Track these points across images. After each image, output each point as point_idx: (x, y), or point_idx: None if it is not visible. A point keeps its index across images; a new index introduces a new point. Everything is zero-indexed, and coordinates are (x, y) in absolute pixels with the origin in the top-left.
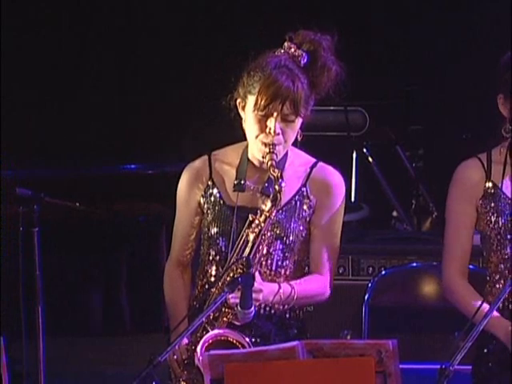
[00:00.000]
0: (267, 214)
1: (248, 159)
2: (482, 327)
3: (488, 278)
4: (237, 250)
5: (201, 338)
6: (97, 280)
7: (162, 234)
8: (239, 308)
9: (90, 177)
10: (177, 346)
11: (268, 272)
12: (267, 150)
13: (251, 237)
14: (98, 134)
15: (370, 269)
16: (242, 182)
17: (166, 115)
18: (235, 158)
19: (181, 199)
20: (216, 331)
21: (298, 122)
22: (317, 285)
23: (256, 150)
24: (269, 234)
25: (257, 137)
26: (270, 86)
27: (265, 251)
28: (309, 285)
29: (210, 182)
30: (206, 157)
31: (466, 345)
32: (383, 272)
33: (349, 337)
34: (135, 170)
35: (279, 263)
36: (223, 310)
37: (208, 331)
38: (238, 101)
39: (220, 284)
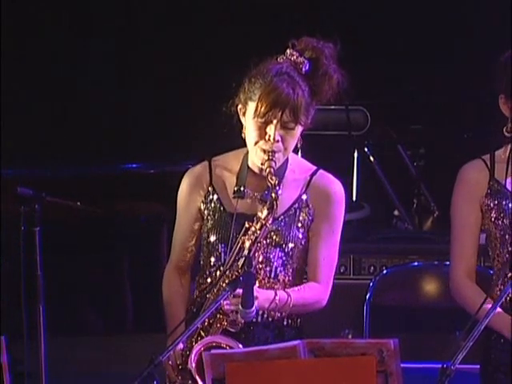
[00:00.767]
0: (263, 222)
1: (248, 166)
2: (484, 326)
3: (493, 276)
4: (232, 257)
5: (195, 343)
6: (98, 280)
7: (163, 233)
8: (240, 307)
9: (91, 176)
10: (172, 351)
11: (267, 279)
12: (266, 157)
13: (247, 244)
14: (99, 134)
15: (372, 268)
16: (242, 188)
17: (166, 115)
18: (235, 164)
19: (181, 204)
20: (208, 338)
21: (298, 129)
22: (313, 293)
23: (255, 156)
24: (265, 241)
25: (256, 143)
26: (270, 93)
27: (261, 258)
28: (305, 293)
29: (210, 188)
30: (206, 162)
31: (468, 344)
32: (384, 271)
33: (350, 336)
34: (136, 169)
35: (278, 271)
36: (218, 316)
37: (202, 337)
38: (239, 107)
39: (215, 290)
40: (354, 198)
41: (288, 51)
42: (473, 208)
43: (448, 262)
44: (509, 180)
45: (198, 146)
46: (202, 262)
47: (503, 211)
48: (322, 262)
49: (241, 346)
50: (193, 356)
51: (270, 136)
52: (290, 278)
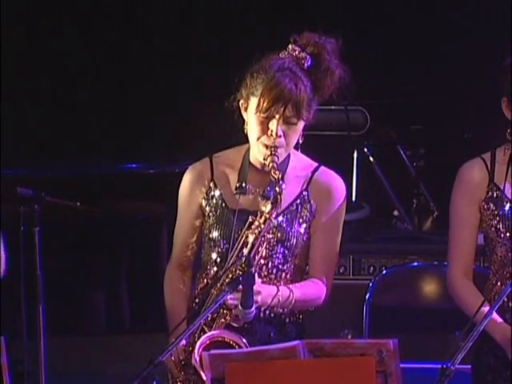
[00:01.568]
0: (267, 216)
1: (250, 162)
2: (483, 327)
3: (490, 277)
4: (236, 252)
5: (198, 338)
6: (98, 279)
7: (163, 233)
8: (240, 307)
9: (91, 176)
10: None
11: (268, 275)
12: (268, 152)
13: (251, 238)
14: (99, 134)
15: (371, 268)
16: (244, 184)
17: (166, 115)
18: (237, 160)
19: (182, 201)
20: (213, 332)
21: (301, 124)
22: (314, 289)
23: (257, 151)
24: (269, 236)
25: (258, 139)
26: (272, 89)
27: (264, 253)
28: (307, 289)
29: (211, 184)
30: (207, 159)
31: (467, 344)
32: (384, 271)
33: (349, 336)
34: (136, 169)
35: (280, 267)
36: (221, 311)
37: (205, 332)
38: (241, 102)
39: (219, 285)
40: (354, 198)
41: (290, 46)
42: (471, 208)
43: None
44: (508, 186)
45: (198, 146)
46: (203, 259)
47: (501, 216)
48: (323, 258)
49: (245, 340)
50: (196, 350)
51: (272, 131)
52: (292, 274)
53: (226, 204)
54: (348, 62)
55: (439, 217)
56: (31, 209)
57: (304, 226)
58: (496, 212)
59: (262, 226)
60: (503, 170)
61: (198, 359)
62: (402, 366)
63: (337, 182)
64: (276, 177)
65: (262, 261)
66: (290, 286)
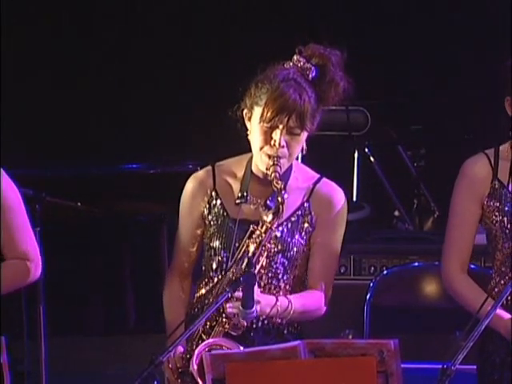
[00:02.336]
0: (268, 225)
1: (252, 172)
2: (484, 326)
3: (493, 275)
4: (236, 261)
5: (196, 346)
6: (98, 280)
7: (164, 233)
8: (241, 307)
9: (92, 176)
10: (172, 354)
11: (268, 285)
12: (271, 162)
13: (251, 247)
14: (100, 134)
15: (372, 268)
16: (245, 194)
17: (167, 115)
18: (239, 169)
19: (184, 209)
20: (211, 340)
21: (304, 135)
22: (313, 301)
23: (260, 161)
24: (269, 245)
25: (261, 148)
26: (276, 99)
27: (265, 263)
28: (305, 300)
29: (213, 193)
30: (209, 167)
31: (468, 344)
32: (385, 272)
33: (350, 336)
34: (137, 169)
35: (280, 277)
36: (220, 319)
37: (204, 340)
38: (245, 112)
39: (217, 292)
40: (355, 199)
41: (295, 57)
42: (473, 203)
43: None
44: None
45: (198, 147)
46: (203, 268)
47: (505, 213)
48: (322, 270)
49: (242, 348)
50: (194, 358)
51: (275, 141)
52: (292, 285)
53: (227, 213)
54: (348, 62)
55: (440, 217)
56: (32, 209)
57: (304, 237)
58: (501, 208)
59: (263, 236)
60: (507, 166)
61: (195, 367)
62: (402, 366)
63: (338, 195)
64: (278, 187)
65: (262, 271)
66: (289, 296)
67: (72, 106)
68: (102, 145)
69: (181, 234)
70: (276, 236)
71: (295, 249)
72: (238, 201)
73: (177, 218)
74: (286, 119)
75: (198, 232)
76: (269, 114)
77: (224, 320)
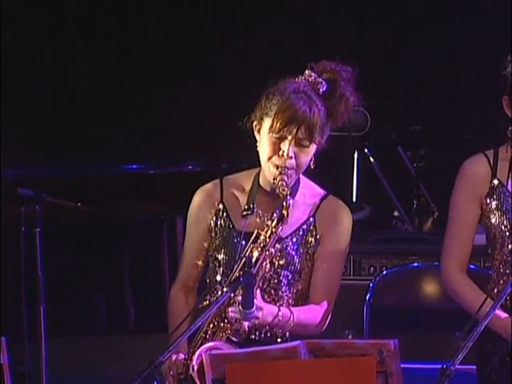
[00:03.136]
0: (273, 230)
1: (259, 185)
2: (484, 327)
3: (492, 275)
4: (239, 265)
5: (197, 350)
6: (99, 280)
7: (164, 234)
8: (241, 308)
9: (92, 177)
10: (174, 360)
11: (271, 298)
12: (278, 172)
13: (255, 253)
14: (100, 134)
15: (372, 269)
16: (252, 206)
17: (167, 115)
18: (246, 183)
19: (191, 222)
20: (210, 344)
21: (312, 148)
22: (314, 315)
23: (268, 172)
24: (272, 261)
25: (269, 159)
26: (286, 110)
27: (268, 268)
28: (307, 314)
29: (220, 206)
30: (217, 181)
31: (468, 344)
32: (384, 272)
33: (350, 336)
34: (137, 170)
35: (283, 290)
36: (222, 325)
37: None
38: (255, 123)
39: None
40: (354, 199)
41: (306, 72)
42: (472, 204)
43: None
44: (510, 180)
45: (198, 147)
46: (208, 280)
47: (504, 213)
48: (325, 284)
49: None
50: (194, 360)
51: (283, 152)
52: (294, 299)
53: (233, 226)
54: (348, 62)
55: (439, 217)
56: (32, 209)
57: (309, 251)
58: (499, 207)
59: (268, 240)
60: (506, 166)
61: (195, 368)
62: (402, 366)
63: (344, 212)
64: (284, 193)
65: (266, 283)
66: (291, 308)
67: (72, 106)
68: (102, 145)
69: (187, 245)
70: (281, 250)
71: (299, 263)
72: (244, 213)
73: (176, 218)
74: (295, 130)
75: (205, 244)
76: (278, 125)
77: (226, 325)
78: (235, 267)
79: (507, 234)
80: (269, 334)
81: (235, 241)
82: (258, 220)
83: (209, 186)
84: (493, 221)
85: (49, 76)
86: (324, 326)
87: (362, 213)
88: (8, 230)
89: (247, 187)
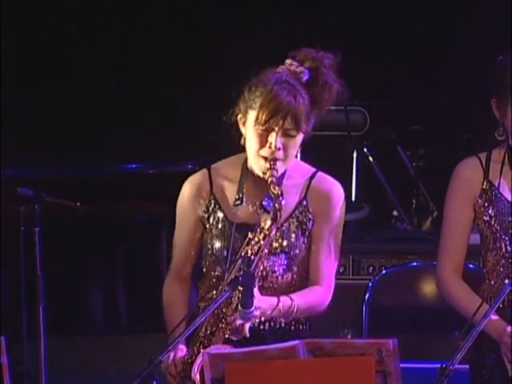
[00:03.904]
0: (266, 232)
1: (248, 173)
2: (482, 327)
3: (485, 276)
4: (236, 267)
5: (198, 351)
6: (98, 280)
7: (163, 234)
8: (240, 307)
9: (91, 176)
10: (173, 358)
11: (271, 286)
12: (268, 165)
13: (250, 254)
14: (100, 134)
15: (371, 268)
16: (241, 196)
17: (167, 115)
18: (235, 171)
19: (181, 213)
20: (212, 347)
21: (299, 137)
22: (316, 296)
23: (256, 165)
24: (266, 250)
25: (257, 151)
26: (271, 101)
27: (265, 265)
28: (308, 296)
29: (210, 197)
30: (205, 170)
31: (466, 344)
32: (383, 271)
33: (349, 336)
34: (136, 169)
35: (283, 276)
36: (220, 325)
37: (205, 345)
38: (239, 116)
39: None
40: (353, 199)
41: (287, 61)
42: (466, 206)
43: None
44: (503, 183)
45: (198, 147)
46: (204, 270)
47: (496, 213)
48: (324, 265)
49: None
50: (196, 366)
51: (271, 143)
52: (296, 283)
53: (225, 217)
54: (348, 62)
55: (439, 217)
56: (31, 209)
57: (305, 234)
58: (491, 208)
59: (262, 243)
60: (498, 168)
61: (197, 376)
62: (401, 365)
63: (335, 188)
64: (276, 193)
65: (264, 272)
66: (292, 295)
67: (72, 106)
68: (102, 145)
69: (179, 237)
70: (276, 237)
71: (297, 248)
72: (235, 203)
73: (176, 218)
74: (282, 121)
75: (197, 235)
76: (264, 117)
77: (224, 326)
78: (232, 266)
79: (498, 235)
80: (273, 324)
81: (229, 231)
82: (249, 209)
83: (197, 176)
84: (484, 222)
85: (49, 76)
86: (326, 305)
87: (362, 212)
88: (7, 229)
89: (235, 175)
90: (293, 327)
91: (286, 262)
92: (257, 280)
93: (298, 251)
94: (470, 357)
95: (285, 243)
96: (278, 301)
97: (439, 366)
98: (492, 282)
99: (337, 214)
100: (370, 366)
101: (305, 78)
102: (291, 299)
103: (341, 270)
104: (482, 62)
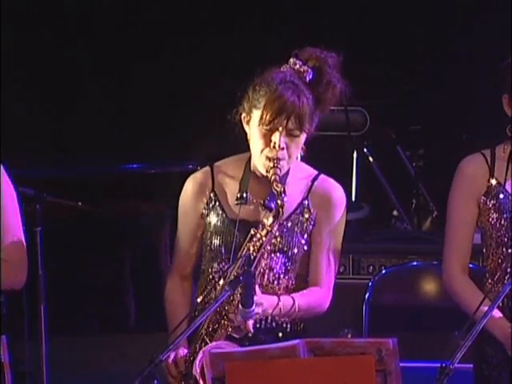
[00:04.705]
0: (269, 229)
1: (251, 171)
2: (482, 326)
3: (487, 275)
4: (237, 264)
5: (199, 349)
6: (99, 280)
7: (165, 233)
8: (240, 306)
9: (92, 176)
10: (174, 358)
11: (270, 285)
12: (271, 164)
13: (252, 251)
14: (100, 134)
15: (371, 268)
16: (245, 194)
17: (167, 115)
18: (237, 170)
19: (183, 211)
20: (213, 344)
21: (303, 137)
22: (316, 297)
23: (260, 164)
24: (269, 247)
25: (261, 151)
26: (275, 101)
27: (263, 264)
28: (309, 297)
29: (212, 195)
30: (208, 168)
31: (466, 343)
32: (383, 271)
33: (349, 335)
34: (137, 169)
35: (281, 276)
36: (222, 322)
37: (207, 343)
38: (243, 115)
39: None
40: (353, 199)
41: (291, 60)
42: (470, 203)
43: None
44: (509, 181)
45: (198, 147)
46: (203, 268)
47: (501, 212)
48: (324, 266)
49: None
50: (197, 362)
51: (275, 143)
52: (294, 283)
53: (226, 214)
54: (348, 62)
55: (438, 217)
56: (33, 209)
57: (305, 235)
58: (496, 206)
59: (264, 239)
60: (503, 165)
61: (198, 371)
62: (401, 365)
63: (337, 191)
64: (278, 190)
65: (262, 270)
66: (293, 294)
67: (72, 106)
68: (102, 145)
69: (181, 235)
70: (276, 235)
71: (296, 247)
72: (237, 201)
73: (177, 217)
74: (285, 121)
75: (198, 233)
76: (268, 117)
77: (226, 322)
78: (233, 265)
79: (502, 233)
80: (269, 321)
81: (229, 229)
82: (251, 207)
83: (200, 174)
84: (489, 220)
85: (49, 76)
86: (326, 308)
87: (362, 212)
88: None
89: (238, 174)
90: (289, 326)
91: (284, 261)
92: (258, 277)
93: (296, 251)
94: (473, 356)
95: (283, 242)
96: (279, 300)
97: (439, 365)
98: (494, 281)
99: (338, 216)
100: (370, 365)
101: (308, 77)
102: (292, 299)
103: (341, 270)
104: (481, 61)
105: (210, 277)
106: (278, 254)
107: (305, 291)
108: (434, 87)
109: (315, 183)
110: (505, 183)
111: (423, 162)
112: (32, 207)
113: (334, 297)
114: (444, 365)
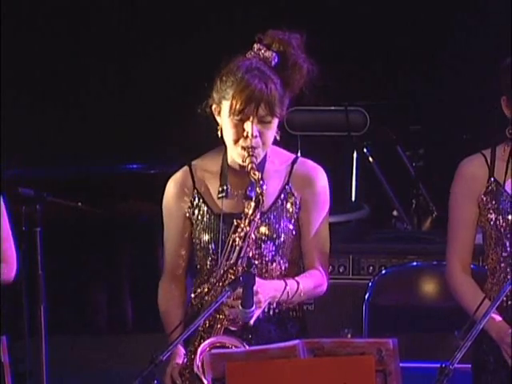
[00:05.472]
0: (251, 218)
1: (228, 165)
2: (482, 326)
3: (487, 274)
4: (225, 256)
5: (198, 346)
6: (99, 279)
7: (163, 233)
8: (240, 307)
9: (92, 176)
10: (172, 354)
11: (263, 273)
12: (246, 153)
13: (238, 241)
14: (100, 134)
15: (371, 268)
16: (225, 188)
17: (167, 115)
18: (215, 165)
19: (168, 213)
20: (213, 338)
21: (275, 122)
22: (316, 279)
23: (236, 155)
24: (256, 235)
25: (235, 142)
26: (243, 91)
27: (251, 254)
28: (310, 278)
29: (194, 192)
30: (186, 167)
31: (466, 343)
32: (383, 271)
33: (349, 335)
34: (137, 169)
35: (273, 264)
36: (218, 316)
37: (204, 339)
38: (214, 107)
39: (214, 292)
40: (353, 199)
41: (255, 46)
42: (470, 204)
43: None
44: (508, 181)
45: (198, 147)
46: (198, 266)
47: (501, 212)
48: (316, 247)
49: (245, 343)
50: (198, 356)
51: (248, 132)
52: (287, 269)
53: (211, 210)
54: (348, 62)
55: (438, 217)
56: (33, 209)
57: (291, 220)
58: (496, 207)
59: (248, 229)
60: (503, 166)
61: (199, 364)
62: (401, 365)
63: (317, 171)
64: (256, 177)
65: (254, 259)
66: (296, 278)
67: (72, 106)
68: (102, 145)
69: (168, 237)
70: (263, 224)
71: (284, 234)
72: (219, 195)
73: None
74: (256, 109)
75: (186, 233)
76: (237, 107)
77: (222, 317)
78: (221, 257)
79: (502, 233)
80: (266, 309)
81: (216, 224)
82: (233, 200)
83: (179, 174)
84: (489, 220)
85: (49, 76)
86: (325, 288)
87: (361, 212)
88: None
89: (216, 168)
90: (287, 314)
91: (273, 248)
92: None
93: (284, 238)
94: (471, 356)
95: (271, 230)
96: (286, 284)
97: (439, 365)
98: (494, 281)
99: (322, 196)
100: (370, 365)
101: (274, 61)
102: (297, 282)
103: (341, 270)
104: (482, 62)
105: (206, 274)
106: (268, 243)
107: (306, 273)
108: (434, 87)
109: (295, 166)
110: (504, 183)
111: (423, 162)
112: (32, 207)
113: (334, 297)
114: (444, 365)
